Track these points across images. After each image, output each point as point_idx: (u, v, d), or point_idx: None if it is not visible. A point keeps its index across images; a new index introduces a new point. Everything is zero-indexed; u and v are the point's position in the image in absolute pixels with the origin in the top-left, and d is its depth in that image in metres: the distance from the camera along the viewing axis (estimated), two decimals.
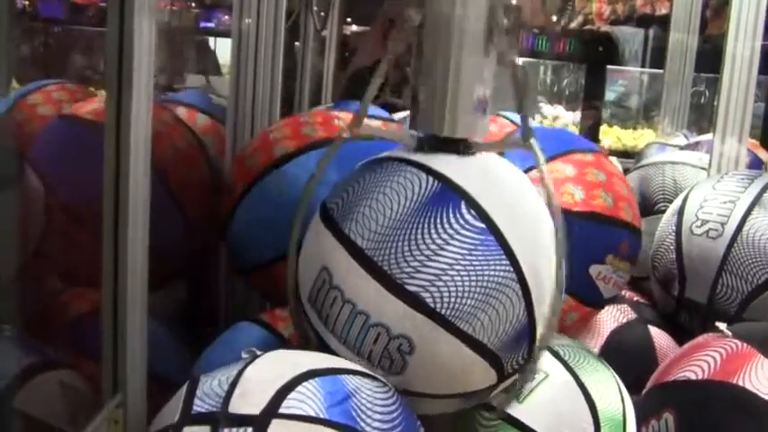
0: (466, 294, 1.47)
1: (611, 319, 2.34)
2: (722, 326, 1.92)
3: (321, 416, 1.33)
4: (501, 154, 1.71)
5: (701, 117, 5.15)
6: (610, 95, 5.95)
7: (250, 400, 1.34)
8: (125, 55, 1.49)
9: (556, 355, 1.77)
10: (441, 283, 1.47)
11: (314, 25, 3.77)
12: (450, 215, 1.50)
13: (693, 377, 1.79)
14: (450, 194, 1.52)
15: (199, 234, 2.41)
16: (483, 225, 1.50)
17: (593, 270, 2.05)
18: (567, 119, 6.05)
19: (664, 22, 5.39)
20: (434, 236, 1.48)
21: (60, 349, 2.02)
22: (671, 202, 2.56)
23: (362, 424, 1.35)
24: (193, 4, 6.83)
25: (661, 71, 4.96)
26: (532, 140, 1.58)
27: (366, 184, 1.58)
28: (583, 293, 2.04)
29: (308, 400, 1.34)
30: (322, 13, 3.92)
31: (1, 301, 1.92)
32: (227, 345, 1.96)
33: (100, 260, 1.54)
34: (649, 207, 2.75)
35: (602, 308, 2.24)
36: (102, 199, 1.53)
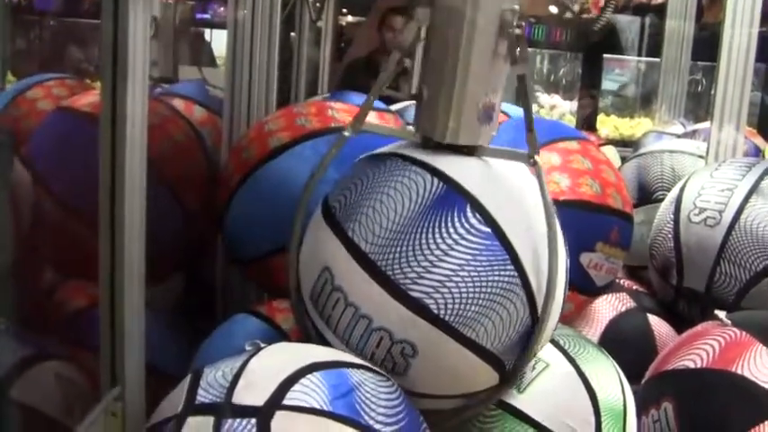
0: (470, 300, 1.46)
1: (609, 307, 2.34)
2: (721, 314, 1.92)
3: (325, 408, 1.32)
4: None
5: (698, 105, 5.14)
6: (610, 85, 5.94)
7: (254, 392, 1.34)
8: (119, 47, 1.48)
9: (556, 344, 1.76)
10: (445, 290, 1.45)
11: (309, 16, 3.76)
12: (455, 219, 1.47)
13: (692, 366, 1.79)
14: (455, 197, 1.49)
15: (196, 226, 2.41)
16: (488, 229, 1.48)
17: (584, 258, 2.05)
18: (563, 108, 6.04)
19: (660, 11, 5.38)
20: (439, 240, 1.46)
21: (58, 342, 2.02)
22: (669, 190, 2.56)
23: (366, 417, 1.35)
24: None
25: (658, 60, 4.95)
26: (537, 158, 1.54)
27: (369, 183, 1.55)
28: (575, 282, 2.03)
29: (312, 392, 1.34)
30: (317, 4, 3.91)
31: None
32: (225, 337, 1.96)
33: (97, 253, 1.54)
34: (647, 196, 2.75)
35: (597, 296, 2.24)
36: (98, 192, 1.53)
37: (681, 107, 4.62)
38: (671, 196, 2.45)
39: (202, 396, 1.37)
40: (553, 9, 6.76)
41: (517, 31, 1.49)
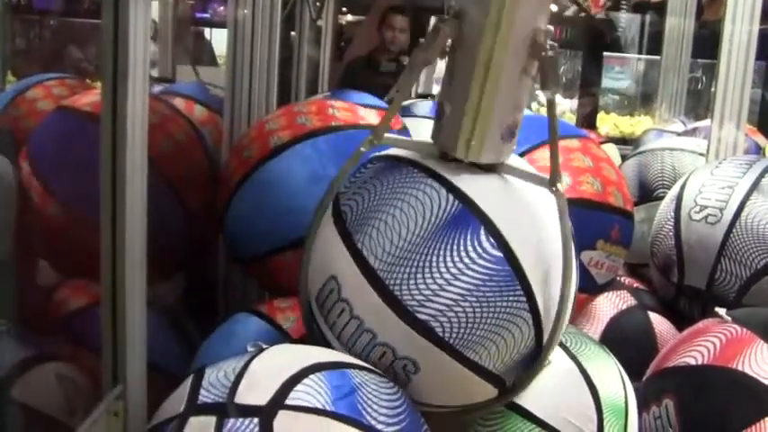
0: (476, 325, 1.45)
1: (610, 305, 2.34)
2: (721, 311, 1.92)
3: (327, 408, 1.33)
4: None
5: (698, 103, 5.14)
6: (612, 83, 5.93)
7: (257, 391, 1.34)
8: (120, 46, 1.48)
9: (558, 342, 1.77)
10: (452, 314, 1.44)
11: (309, 15, 3.76)
12: (468, 242, 1.45)
13: (693, 362, 1.79)
14: (469, 218, 1.46)
15: (197, 225, 2.41)
16: (500, 254, 1.45)
17: (585, 257, 2.05)
18: (564, 106, 6.03)
19: (660, 8, 5.38)
20: (450, 264, 1.44)
21: (60, 342, 2.02)
22: (669, 188, 2.56)
23: (368, 417, 1.35)
24: None
25: (658, 57, 4.95)
26: (559, 186, 1.51)
27: (383, 192, 1.52)
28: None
29: (314, 392, 1.34)
30: (317, 3, 3.91)
31: None
32: (226, 336, 1.96)
33: (98, 252, 1.54)
34: (648, 193, 2.75)
35: (598, 293, 2.24)
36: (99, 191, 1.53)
37: (681, 105, 4.61)
38: (672, 194, 2.45)
39: (205, 396, 1.37)
40: (553, 7, 6.76)
41: (550, 53, 1.43)
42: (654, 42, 5.53)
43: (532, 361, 1.55)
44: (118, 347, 1.56)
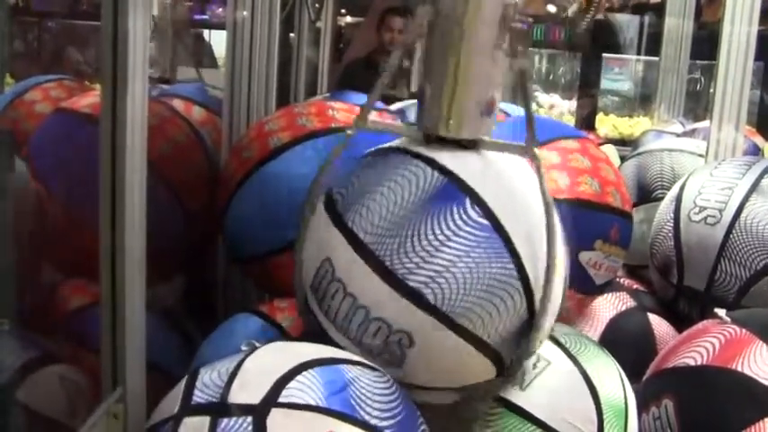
0: (467, 291, 1.46)
1: (610, 307, 2.35)
2: (721, 312, 1.92)
3: (320, 404, 1.33)
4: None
5: (697, 104, 5.15)
6: (611, 85, 5.94)
7: (250, 390, 1.34)
8: (119, 48, 1.48)
9: (557, 343, 1.77)
10: (442, 280, 1.46)
11: (308, 16, 3.76)
12: (455, 212, 1.48)
13: (693, 363, 1.80)
14: (454, 191, 1.50)
15: (197, 226, 2.41)
16: (487, 222, 1.49)
17: (583, 257, 2.05)
18: (562, 107, 6.04)
19: (659, 9, 5.39)
20: (437, 232, 1.47)
21: (61, 342, 2.02)
22: (668, 189, 2.56)
23: (362, 412, 1.35)
24: None
25: (657, 58, 4.96)
26: (536, 150, 1.55)
27: (371, 176, 1.56)
28: (574, 281, 2.03)
29: (307, 389, 1.34)
30: (316, 5, 3.92)
31: None
32: (225, 336, 1.96)
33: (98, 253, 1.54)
34: (647, 195, 2.75)
35: (597, 294, 2.23)
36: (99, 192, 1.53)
37: (680, 106, 4.62)
38: (671, 195, 2.45)
39: (198, 396, 1.37)
40: (551, 8, 6.76)
41: (518, 25, 1.51)
42: (653, 43, 5.54)
43: (527, 336, 1.54)
44: (117, 350, 1.56)
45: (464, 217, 1.48)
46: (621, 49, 6.14)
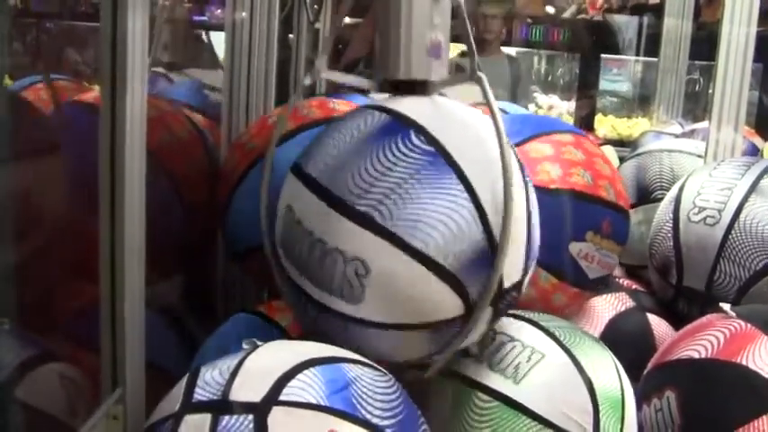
0: (415, 211, 1.49)
1: (609, 307, 2.35)
2: (726, 306, 1.92)
3: (322, 403, 1.33)
4: None
5: (696, 105, 5.15)
6: (610, 86, 5.94)
7: (251, 388, 1.35)
8: (118, 48, 1.48)
9: (551, 335, 1.76)
10: (389, 201, 1.50)
11: (307, 17, 3.76)
12: (399, 141, 1.54)
13: (697, 356, 1.79)
14: (398, 125, 1.58)
15: (197, 224, 2.41)
16: (432, 148, 1.54)
17: (574, 248, 2.05)
18: (561, 108, 6.05)
19: (658, 10, 5.39)
20: (383, 159, 1.53)
21: (61, 341, 2.01)
22: (668, 190, 2.56)
23: (363, 411, 1.35)
24: None
25: (655, 59, 4.96)
26: (480, 74, 1.60)
27: (327, 131, 1.68)
28: (565, 272, 2.04)
29: (308, 387, 1.35)
30: (315, 6, 3.91)
31: None
32: (225, 336, 1.96)
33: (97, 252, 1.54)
34: (646, 195, 2.75)
35: (590, 289, 2.22)
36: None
37: (679, 107, 4.62)
38: (670, 195, 2.46)
39: (199, 394, 1.37)
40: (550, 9, 6.77)
41: None
42: (651, 44, 5.55)
43: (489, 266, 1.53)
44: (117, 351, 1.55)
45: (409, 144, 1.54)
46: (620, 49, 6.14)
